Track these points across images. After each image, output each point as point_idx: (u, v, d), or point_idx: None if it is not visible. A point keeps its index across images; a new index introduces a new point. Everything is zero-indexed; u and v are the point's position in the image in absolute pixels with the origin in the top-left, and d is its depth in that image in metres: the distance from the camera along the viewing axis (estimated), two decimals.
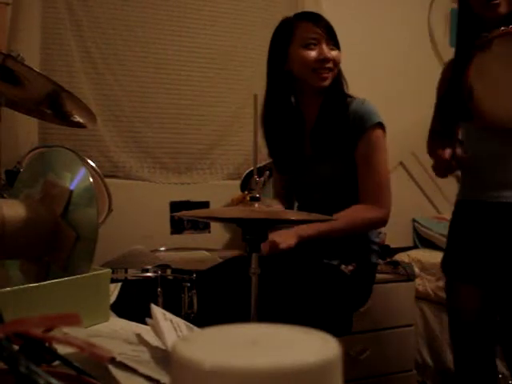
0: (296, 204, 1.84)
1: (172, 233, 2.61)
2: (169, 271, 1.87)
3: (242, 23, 2.73)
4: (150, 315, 0.73)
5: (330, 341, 0.32)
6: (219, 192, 2.60)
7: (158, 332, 0.70)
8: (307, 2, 2.71)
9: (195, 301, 1.79)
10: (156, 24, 2.58)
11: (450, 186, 3.29)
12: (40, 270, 0.94)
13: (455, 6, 3.27)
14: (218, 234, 2.69)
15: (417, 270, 2.59)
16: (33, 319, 0.45)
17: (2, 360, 0.38)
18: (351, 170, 1.64)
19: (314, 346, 0.31)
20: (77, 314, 0.45)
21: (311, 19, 1.63)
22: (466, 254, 1.67)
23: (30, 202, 0.94)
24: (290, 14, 1.73)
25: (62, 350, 0.48)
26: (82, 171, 0.92)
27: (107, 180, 2.06)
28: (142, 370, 0.56)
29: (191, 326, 0.78)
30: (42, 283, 0.82)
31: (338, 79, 1.66)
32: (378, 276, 1.88)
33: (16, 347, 0.44)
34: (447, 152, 1.51)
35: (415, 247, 3.06)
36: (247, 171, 2.63)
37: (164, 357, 0.66)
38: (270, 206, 1.49)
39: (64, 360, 0.47)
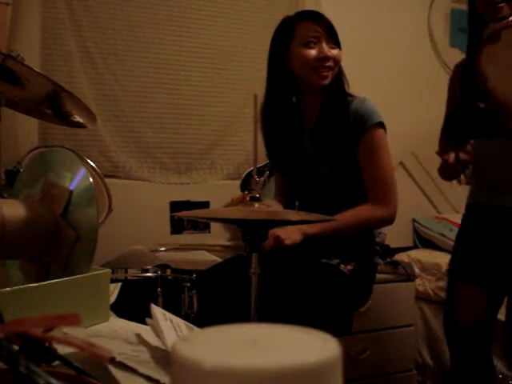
0: (297, 203, 1.84)
1: (172, 233, 2.61)
2: (169, 271, 1.87)
3: (242, 23, 2.73)
4: (149, 315, 0.73)
5: (330, 341, 0.32)
6: (219, 192, 2.60)
7: (157, 332, 0.70)
8: (307, 2, 2.71)
9: (195, 301, 1.79)
10: (156, 24, 2.58)
11: (450, 186, 3.29)
12: (40, 269, 0.94)
13: (455, 5, 3.28)
14: (218, 234, 2.69)
15: (417, 270, 2.59)
16: (33, 319, 0.45)
17: (2, 360, 0.38)
18: (351, 169, 1.64)
19: (314, 346, 0.31)
20: (77, 314, 0.45)
21: (312, 18, 1.63)
22: (474, 258, 1.67)
23: (30, 202, 0.94)
24: (291, 13, 1.73)
25: (62, 350, 0.48)
26: (82, 171, 0.92)
27: (107, 180, 2.06)
28: (141, 369, 0.56)
29: (191, 326, 0.78)
30: (42, 283, 0.82)
31: (339, 78, 1.66)
32: (378, 276, 1.88)
33: (16, 347, 0.44)
34: (451, 156, 1.51)
35: (415, 247, 3.06)
36: (247, 171, 2.63)
37: (164, 357, 0.66)
38: (269, 206, 1.50)
39: (64, 360, 0.47)
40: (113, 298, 1.01)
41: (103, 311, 0.91)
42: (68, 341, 0.42)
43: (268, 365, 0.29)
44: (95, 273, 0.90)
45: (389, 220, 1.62)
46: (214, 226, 2.68)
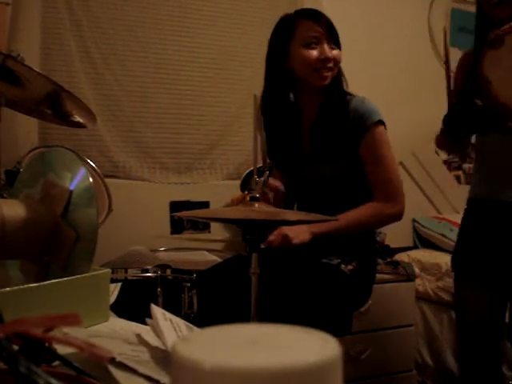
0: (295, 206, 1.84)
1: (172, 233, 2.61)
2: (169, 271, 1.87)
3: (242, 23, 2.73)
4: (149, 315, 0.73)
5: (330, 341, 0.32)
6: (219, 192, 2.60)
7: (157, 332, 0.70)
8: (307, 2, 2.70)
9: (195, 301, 1.79)
10: (156, 24, 2.58)
11: (450, 186, 3.29)
12: (40, 269, 0.94)
13: (455, 5, 3.28)
14: (218, 234, 2.69)
15: (417, 270, 2.59)
16: (33, 319, 0.45)
17: (2, 360, 0.38)
18: (351, 168, 1.64)
19: (314, 346, 0.31)
20: (77, 314, 0.45)
21: (312, 17, 1.62)
22: (477, 253, 1.68)
23: (30, 202, 0.94)
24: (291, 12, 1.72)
25: (61, 350, 0.48)
26: (82, 171, 0.92)
27: (107, 180, 2.06)
28: (141, 370, 0.56)
29: (191, 326, 0.78)
30: (42, 283, 0.82)
31: (338, 77, 1.65)
32: (378, 276, 1.88)
33: (16, 347, 0.44)
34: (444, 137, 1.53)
35: (415, 247, 3.06)
36: (247, 171, 2.63)
37: (164, 357, 0.66)
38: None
39: (64, 360, 0.47)
40: (113, 298, 1.01)
41: (103, 311, 0.91)
42: (68, 341, 0.42)
43: (268, 365, 0.29)
44: (95, 273, 0.90)
45: (398, 216, 1.63)
46: (213, 225, 2.68)
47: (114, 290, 1.05)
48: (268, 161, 1.95)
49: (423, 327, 2.68)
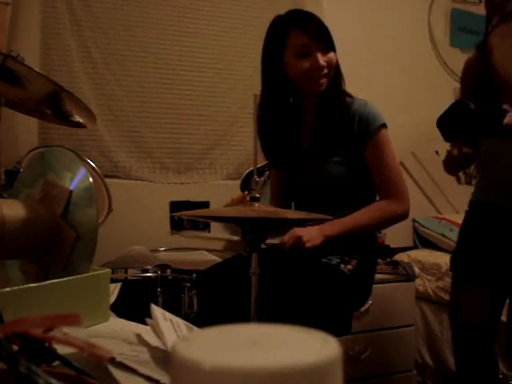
0: (292, 205, 1.84)
1: (172, 233, 2.61)
2: (169, 271, 1.87)
3: (242, 23, 2.73)
4: (149, 315, 0.73)
5: (329, 341, 0.32)
6: (219, 192, 2.60)
7: (157, 332, 0.70)
8: (308, 2, 2.70)
9: (195, 301, 1.79)
10: (156, 24, 2.58)
11: (450, 186, 3.29)
12: (40, 269, 0.94)
13: (455, 5, 3.28)
14: (218, 234, 2.68)
15: (417, 270, 2.59)
16: (33, 319, 0.45)
17: (2, 360, 0.38)
18: (351, 170, 1.65)
19: (314, 346, 0.31)
20: (77, 314, 0.45)
21: (302, 26, 1.58)
22: (476, 255, 1.69)
23: (30, 202, 0.94)
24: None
25: (61, 350, 0.48)
26: (82, 171, 0.92)
27: (107, 180, 2.06)
28: (141, 370, 0.56)
29: (191, 326, 0.78)
30: (42, 283, 0.82)
31: (335, 78, 1.65)
32: (378, 276, 1.88)
33: (16, 347, 0.44)
34: (455, 150, 1.54)
35: (415, 247, 3.06)
36: (247, 171, 2.63)
37: (164, 357, 0.66)
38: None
39: (64, 360, 0.47)
40: (113, 298, 1.01)
41: (103, 311, 0.91)
42: (68, 341, 0.42)
43: (268, 365, 0.29)
44: (95, 273, 0.90)
45: (404, 215, 1.66)
46: (213, 225, 2.68)
47: (114, 290, 1.05)
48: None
49: (423, 327, 2.68)
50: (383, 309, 2.40)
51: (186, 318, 1.74)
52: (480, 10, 3.29)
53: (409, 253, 2.87)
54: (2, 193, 1.52)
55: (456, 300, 1.77)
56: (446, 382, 2.53)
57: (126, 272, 1.87)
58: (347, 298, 1.61)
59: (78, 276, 0.86)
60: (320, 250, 1.60)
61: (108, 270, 0.93)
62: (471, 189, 1.88)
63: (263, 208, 1.10)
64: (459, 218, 1.85)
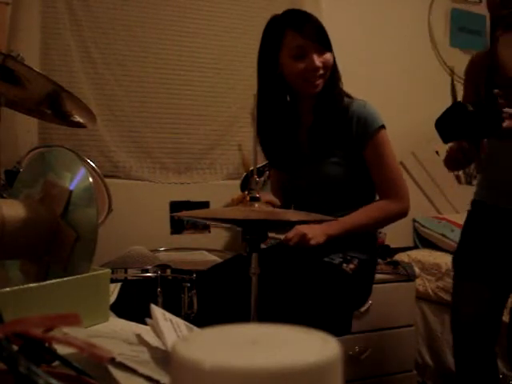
0: (292, 207, 1.84)
1: (172, 233, 2.61)
2: (169, 271, 1.87)
3: (242, 23, 2.73)
4: (149, 315, 0.73)
5: (329, 341, 0.32)
6: (219, 192, 2.60)
7: (157, 332, 0.70)
8: (307, 1, 2.70)
9: (195, 301, 1.79)
10: (156, 24, 2.58)
11: (450, 186, 3.29)
12: (40, 269, 0.94)
13: (455, 5, 3.28)
14: (218, 234, 2.69)
15: (417, 270, 2.59)
16: (33, 319, 0.45)
17: (2, 360, 0.38)
18: (350, 170, 1.65)
19: (314, 346, 0.31)
20: (77, 314, 0.45)
21: (298, 27, 1.57)
22: (478, 254, 1.70)
23: (30, 202, 0.94)
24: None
25: (61, 350, 0.48)
26: (82, 171, 0.92)
27: (107, 180, 2.06)
28: (141, 370, 0.56)
29: (191, 326, 0.78)
30: (42, 283, 0.82)
31: (332, 78, 1.64)
32: (378, 276, 1.88)
33: (16, 347, 0.44)
34: (455, 146, 1.55)
35: (415, 247, 3.06)
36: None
37: (164, 357, 0.66)
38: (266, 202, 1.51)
39: (64, 360, 0.47)
40: (113, 298, 1.01)
41: (103, 311, 0.91)
42: (68, 341, 0.42)
43: (268, 365, 0.29)
44: (95, 273, 0.90)
45: (404, 213, 1.66)
46: (213, 225, 2.68)
47: (114, 290, 1.05)
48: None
49: (423, 327, 2.68)
50: (383, 309, 2.40)
51: (186, 318, 1.74)
52: (480, 9, 3.30)
53: (409, 253, 2.87)
54: (2, 193, 1.52)
55: (457, 300, 1.77)
56: (446, 382, 2.53)
57: (125, 272, 1.88)
58: (348, 297, 1.61)
59: (78, 276, 0.86)
60: (322, 250, 1.60)
61: (108, 270, 0.93)
62: (471, 189, 1.88)
63: (263, 208, 1.10)
64: (459, 218, 1.86)
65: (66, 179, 0.93)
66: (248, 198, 1.11)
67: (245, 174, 2.62)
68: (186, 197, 2.63)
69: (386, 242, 2.74)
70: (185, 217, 2.42)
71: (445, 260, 2.57)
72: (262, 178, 1.97)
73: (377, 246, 1.75)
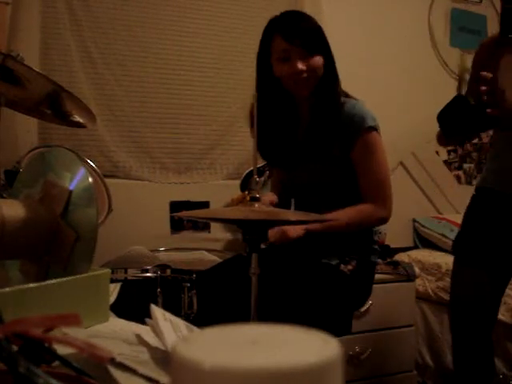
0: (293, 201, 1.85)
1: (172, 233, 2.61)
2: (168, 271, 1.87)
3: (242, 23, 2.73)
4: (149, 315, 0.73)
5: (329, 341, 0.32)
6: (219, 192, 2.60)
7: (157, 332, 0.70)
8: (307, 2, 2.71)
9: (195, 301, 1.79)
10: (156, 24, 2.58)
11: (450, 186, 3.30)
12: (40, 269, 0.94)
13: (455, 5, 3.28)
14: (218, 234, 2.69)
15: (417, 270, 2.59)
16: (33, 319, 0.45)
17: (2, 360, 0.38)
18: (342, 171, 1.64)
19: (314, 346, 0.31)
20: (77, 314, 0.45)
21: (284, 32, 1.58)
22: (479, 239, 1.70)
23: (30, 202, 0.94)
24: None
25: (61, 350, 0.48)
26: (82, 171, 0.92)
27: (107, 180, 2.06)
28: (141, 370, 0.56)
29: (191, 326, 0.78)
30: (42, 283, 0.82)
31: (328, 80, 1.63)
32: (378, 276, 1.88)
33: (16, 347, 0.44)
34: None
35: (415, 247, 3.06)
36: (247, 171, 2.63)
37: (164, 357, 0.66)
38: (265, 202, 1.52)
39: (63, 360, 0.47)
40: (112, 298, 1.01)
41: (103, 311, 0.91)
42: (68, 341, 0.42)
43: (268, 365, 0.29)
44: (95, 273, 0.90)
45: (384, 219, 1.66)
46: (213, 225, 2.68)
47: (114, 290, 1.05)
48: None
49: (423, 327, 2.68)
50: (383, 309, 2.40)
51: (186, 318, 1.74)
52: (480, 9, 3.30)
53: (409, 253, 2.87)
54: (2, 193, 1.52)
55: (456, 285, 1.77)
56: (447, 382, 2.53)
57: (125, 272, 1.87)
58: (347, 298, 1.61)
59: (78, 276, 0.86)
60: (320, 251, 1.61)
61: (108, 270, 0.93)
62: (471, 189, 1.88)
63: (263, 208, 1.10)
64: (459, 218, 1.85)
65: (65, 179, 0.93)
66: (248, 198, 1.10)
67: (245, 173, 2.63)
68: (186, 197, 2.63)
69: (386, 242, 2.75)
70: (185, 217, 2.42)
71: (445, 260, 2.57)
72: (262, 178, 1.97)
73: (376, 246, 1.74)
